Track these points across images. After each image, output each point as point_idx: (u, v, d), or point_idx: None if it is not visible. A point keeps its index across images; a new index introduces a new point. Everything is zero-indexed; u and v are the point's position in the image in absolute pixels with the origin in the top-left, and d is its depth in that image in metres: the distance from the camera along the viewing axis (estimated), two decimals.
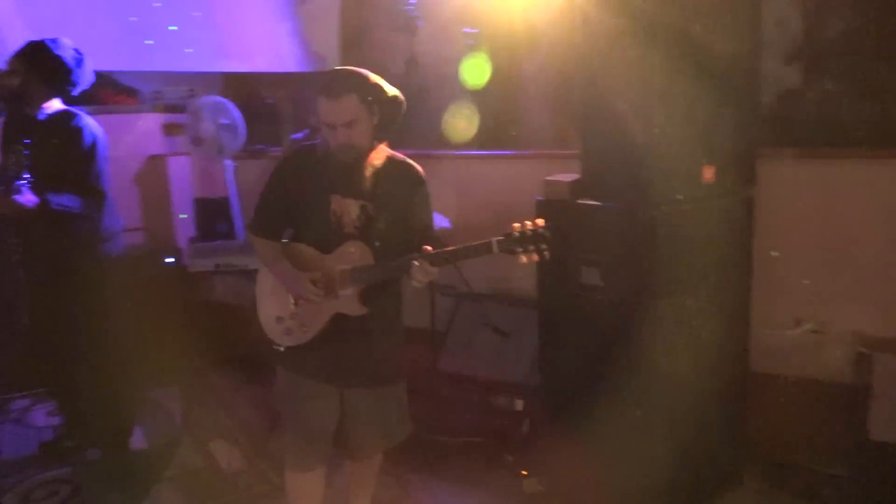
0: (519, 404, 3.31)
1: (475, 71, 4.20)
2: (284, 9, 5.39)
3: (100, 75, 4.96)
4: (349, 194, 2.24)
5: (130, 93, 5.07)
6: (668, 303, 2.59)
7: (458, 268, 3.35)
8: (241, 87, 5.57)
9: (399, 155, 2.35)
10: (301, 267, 2.28)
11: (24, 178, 2.79)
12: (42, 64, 2.98)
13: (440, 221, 3.51)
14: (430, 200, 2.37)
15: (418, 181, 2.33)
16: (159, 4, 4.93)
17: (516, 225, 2.07)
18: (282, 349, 2.34)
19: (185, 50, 5.08)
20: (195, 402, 3.97)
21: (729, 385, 2.87)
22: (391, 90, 2.22)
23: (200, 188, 5.04)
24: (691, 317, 2.65)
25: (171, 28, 5.03)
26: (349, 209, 2.25)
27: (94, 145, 3.02)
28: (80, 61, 3.07)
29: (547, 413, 3.06)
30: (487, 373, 3.47)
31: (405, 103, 2.27)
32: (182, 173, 4.95)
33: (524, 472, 3.08)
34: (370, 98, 2.14)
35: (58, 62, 2.99)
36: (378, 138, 2.26)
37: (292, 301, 2.31)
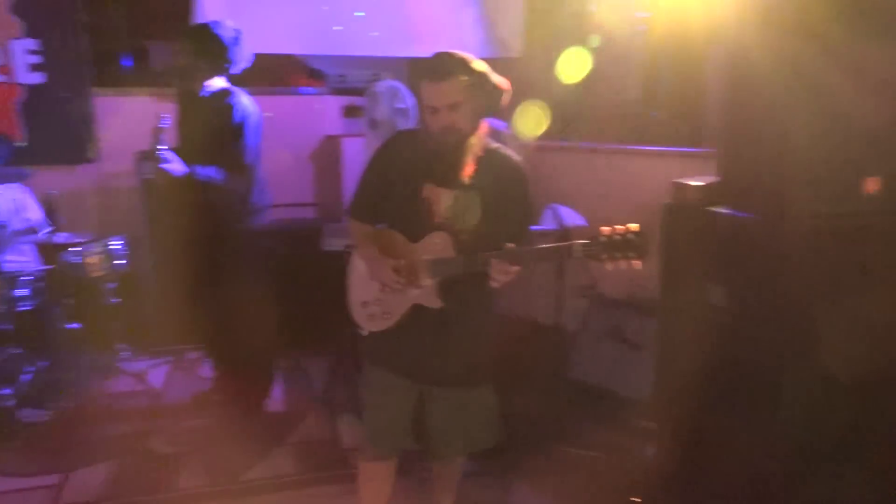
0: (643, 424, 3.03)
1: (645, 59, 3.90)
2: None
3: (289, 58, 5.38)
4: (442, 183, 2.17)
5: (316, 75, 5.37)
6: (810, 337, 2.20)
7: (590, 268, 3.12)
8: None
9: (503, 148, 2.24)
10: (389, 253, 2.25)
11: (162, 148, 3.03)
12: (204, 43, 3.21)
13: (575, 219, 3.30)
14: (529, 200, 2.23)
15: (517, 177, 2.20)
16: None
17: (605, 228, 1.91)
18: (364, 333, 2.33)
19: (371, 34, 5.26)
20: (338, 375, 4.11)
21: None
22: (496, 77, 2.12)
23: None
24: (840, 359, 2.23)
25: (357, 14, 5.25)
26: (441, 198, 2.18)
27: (243, 122, 3.20)
28: (237, 40, 3.27)
29: (668, 438, 2.77)
30: (614, 385, 3.22)
31: (509, 92, 2.15)
32: (355, 154, 5.16)
33: (636, 500, 2.82)
34: (474, 82, 2.06)
35: (217, 42, 3.20)
36: (477, 126, 2.16)
37: (378, 287, 2.28)
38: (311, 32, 5.16)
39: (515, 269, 2.01)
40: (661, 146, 3.61)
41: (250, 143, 3.24)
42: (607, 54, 4.27)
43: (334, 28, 5.20)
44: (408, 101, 4.91)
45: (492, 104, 2.14)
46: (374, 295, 2.30)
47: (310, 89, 5.29)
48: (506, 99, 2.15)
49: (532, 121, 3.98)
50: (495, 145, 2.23)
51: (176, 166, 3.07)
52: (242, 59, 3.33)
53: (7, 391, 3.65)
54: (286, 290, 3.84)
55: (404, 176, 2.23)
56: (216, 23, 3.24)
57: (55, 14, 4.52)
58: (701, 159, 3.25)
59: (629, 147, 3.81)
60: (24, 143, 4.53)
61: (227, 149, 3.19)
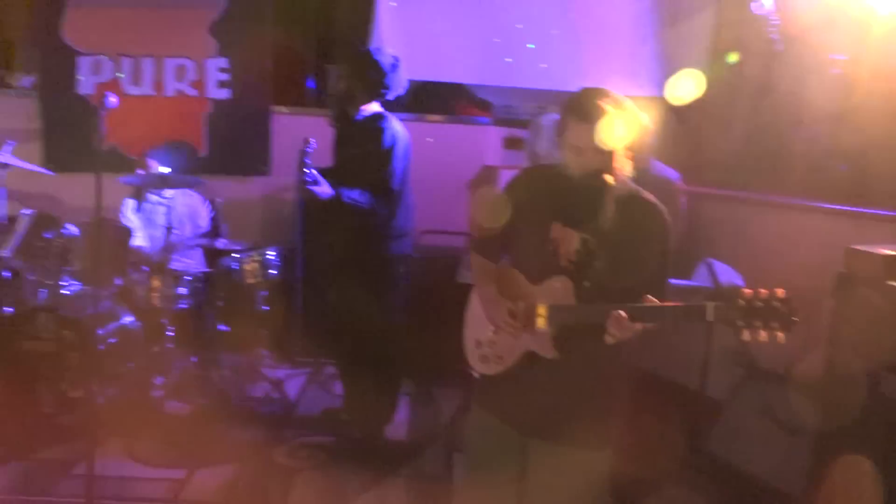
0: None
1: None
2: (649, 30, 5.15)
3: (457, 87, 5.41)
4: (572, 224, 2.01)
5: (483, 105, 5.36)
6: None
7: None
8: None
9: (645, 193, 2.04)
10: (508, 293, 2.11)
11: (308, 170, 3.10)
12: (362, 69, 3.27)
13: (732, 278, 2.97)
14: (668, 251, 2.01)
15: (658, 228, 1.99)
16: (521, 26, 5.11)
17: (747, 291, 1.67)
18: (476, 375, 2.21)
19: (540, 66, 5.18)
20: (464, 411, 4.00)
21: None
22: (642, 116, 1.95)
23: None
24: None
25: (529, 46, 5.20)
26: (569, 240, 2.02)
27: (392, 147, 3.22)
28: (395, 67, 3.30)
29: None
30: (760, 470, 2.83)
31: (651, 131, 1.97)
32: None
33: None
34: (623, 123, 1.89)
35: (375, 68, 3.25)
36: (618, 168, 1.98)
37: (492, 327, 2.15)
38: (482, 63, 5.17)
39: (636, 326, 1.80)
40: (845, 205, 3.17)
41: (398, 169, 3.25)
42: (796, 99, 3.87)
43: (505, 60, 5.19)
44: None
45: (636, 145, 1.97)
46: (487, 336, 2.18)
47: (474, 118, 5.29)
48: (648, 139, 1.97)
49: (700, 165, 3.68)
50: (635, 188, 2.04)
51: (322, 188, 3.14)
52: (399, 86, 3.36)
53: (159, 381, 3.92)
54: (426, 316, 3.79)
55: (533, 213, 2.09)
56: (376, 49, 3.30)
57: (247, 36, 4.86)
58: (888, 223, 2.80)
59: (807, 202, 3.39)
60: (206, 154, 4.90)
61: (374, 173, 3.22)
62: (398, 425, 3.69)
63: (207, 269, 4.08)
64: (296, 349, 4.58)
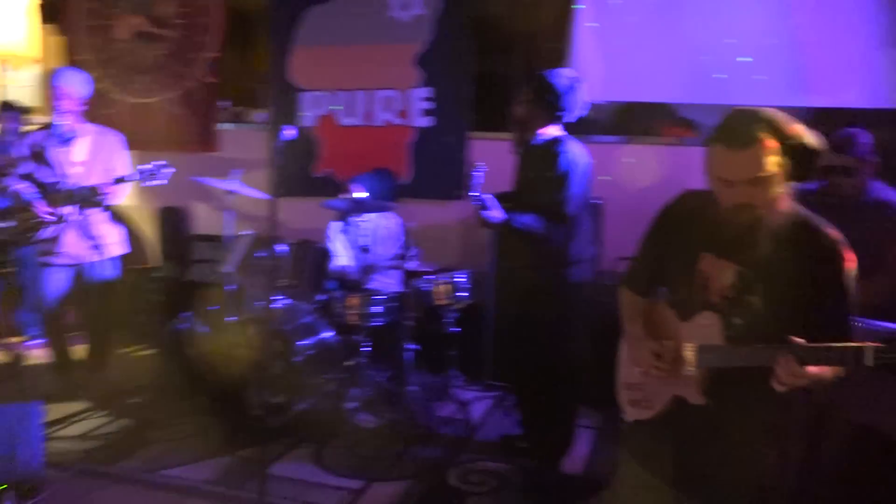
0: None
1: None
2: (883, 33, 4.54)
3: (660, 107, 5.15)
4: (725, 255, 1.83)
5: (688, 125, 5.05)
6: None
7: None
8: (827, 124, 4.96)
9: (813, 217, 1.79)
10: (656, 331, 1.97)
11: (475, 194, 3.13)
12: (539, 92, 3.24)
13: None
14: (844, 291, 1.73)
15: (827, 257, 1.74)
16: (732, 40, 4.77)
17: None
18: (627, 419, 2.07)
19: (757, 77, 4.80)
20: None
21: None
22: (808, 137, 1.71)
23: None
24: None
25: (743, 60, 4.82)
26: (721, 273, 1.83)
27: (568, 172, 3.15)
28: (572, 89, 3.23)
29: None
30: None
31: (824, 153, 1.72)
32: None
33: None
34: (783, 149, 1.69)
35: (551, 91, 3.20)
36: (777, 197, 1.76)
37: (640, 369, 2.01)
38: (688, 80, 4.90)
39: (807, 371, 1.59)
40: None
41: (574, 194, 3.17)
42: None
43: (715, 76, 4.86)
44: None
45: (800, 172, 1.73)
46: (636, 378, 2.04)
47: (679, 139, 5.00)
48: (819, 161, 1.72)
49: None
50: (805, 215, 1.79)
51: (493, 212, 3.15)
52: (576, 108, 3.28)
53: (352, 393, 4.17)
54: (609, 346, 3.65)
55: (683, 243, 1.93)
56: (553, 72, 3.25)
57: (449, 65, 5.05)
58: None
59: None
60: (408, 179, 5.15)
61: (549, 198, 3.17)
62: (578, 459, 3.56)
63: (401, 290, 4.27)
64: (486, 373, 4.64)
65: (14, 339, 5.01)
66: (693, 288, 1.87)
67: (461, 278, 4.33)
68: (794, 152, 1.69)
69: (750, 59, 4.80)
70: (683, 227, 1.94)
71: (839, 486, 3.18)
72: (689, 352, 1.84)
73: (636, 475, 2.00)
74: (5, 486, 2.91)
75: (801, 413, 1.92)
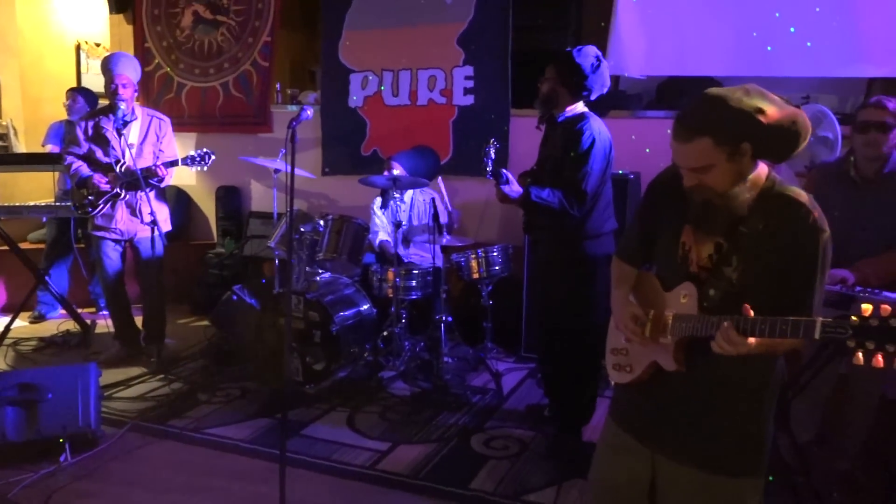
0: None
1: None
2: None
3: (705, 82, 5.07)
4: (704, 227, 1.87)
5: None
6: None
7: None
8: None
9: (789, 188, 1.80)
10: (643, 300, 2.03)
11: (488, 163, 3.23)
12: (564, 70, 3.29)
13: None
14: (815, 265, 1.73)
15: (803, 227, 1.73)
16: (778, 14, 4.66)
17: (866, 307, 1.44)
18: (612, 383, 2.15)
19: (806, 45, 4.68)
20: None
21: None
22: (778, 117, 1.66)
23: None
24: None
25: (791, 30, 4.71)
26: (701, 245, 1.88)
27: (589, 149, 3.19)
28: (595, 68, 3.26)
29: None
30: None
31: (805, 130, 1.71)
32: None
33: None
34: (732, 139, 1.70)
35: (576, 69, 3.24)
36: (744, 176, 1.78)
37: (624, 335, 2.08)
38: (735, 54, 4.81)
39: (742, 340, 1.62)
40: None
41: (593, 171, 3.21)
42: None
43: (767, 49, 4.76)
44: (836, 129, 4.23)
45: (773, 150, 1.74)
46: (620, 343, 2.10)
47: None
48: (801, 142, 1.71)
49: None
50: (781, 186, 1.80)
51: (512, 186, 3.24)
52: (601, 87, 3.31)
53: (388, 363, 4.35)
54: None
55: (669, 215, 1.97)
56: (578, 50, 3.28)
57: (490, 44, 5.12)
58: None
59: None
60: (449, 156, 5.26)
61: (569, 174, 3.23)
62: (598, 428, 3.62)
63: (437, 264, 4.41)
64: (520, 345, 4.74)
65: (86, 310, 5.43)
66: (675, 258, 1.92)
67: (495, 253, 4.44)
68: (754, 139, 1.69)
69: (793, 30, 4.69)
70: (669, 198, 1.97)
71: (864, 454, 3.18)
72: (668, 320, 1.90)
73: (615, 435, 2.07)
74: (63, 439, 3.21)
75: (776, 373, 1.92)
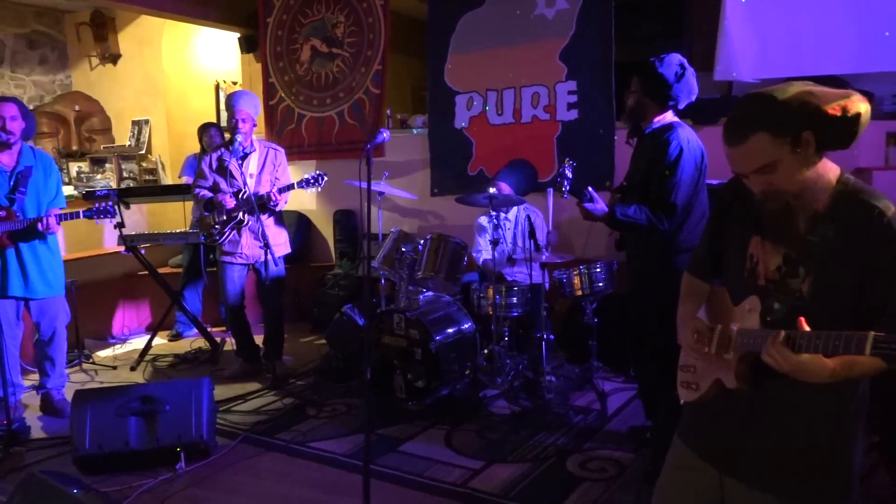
0: None
1: None
2: None
3: (826, 81, 4.71)
4: (773, 237, 1.76)
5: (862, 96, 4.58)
6: None
7: None
8: None
9: (862, 188, 1.66)
10: (715, 315, 1.93)
11: (565, 183, 3.16)
12: (647, 81, 3.19)
13: None
14: (893, 267, 1.58)
15: (878, 234, 1.59)
16: None
17: None
18: (680, 402, 2.05)
19: None
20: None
21: None
22: (831, 99, 1.57)
23: None
24: None
25: None
26: (769, 256, 1.76)
27: (677, 159, 3.07)
28: (680, 76, 3.14)
29: None
30: None
31: (864, 111, 1.59)
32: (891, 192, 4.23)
33: None
34: (790, 129, 1.60)
35: (659, 79, 3.14)
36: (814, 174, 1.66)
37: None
38: (860, 48, 4.46)
39: (795, 358, 1.50)
40: None
41: (682, 182, 3.09)
42: None
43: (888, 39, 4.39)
44: None
45: (835, 140, 1.61)
46: (689, 360, 2.00)
47: None
48: (862, 125, 1.58)
49: None
50: (853, 187, 1.66)
51: (597, 205, 3.17)
52: (688, 95, 3.19)
53: (495, 381, 4.35)
54: None
55: (736, 226, 1.87)
56: (663, 58, 3.17)
57: (593, 57, 5.05)
58: None
59: None
60: (555, 174, 5.20)
61: (657, 186, 3.12)
62: None
63: (535, 282, 4.37)
64: (628, 363, 4.58)
65: (218, 329, 5.83)
66: (744, 271, 1.81)
67: (598, 269, 4.34)
68: (814, 128, 1.58)
69: None
70: (735, 210, 1.88)
71: None
72: (733, 336, 1.80)
73: (682, 455, 1.97)
74: (179, 448, 3.46)
75: (857, 396, 1.75)
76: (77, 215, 4.02)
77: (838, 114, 1.56)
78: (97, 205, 4.08)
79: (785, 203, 1.67)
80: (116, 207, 4.17)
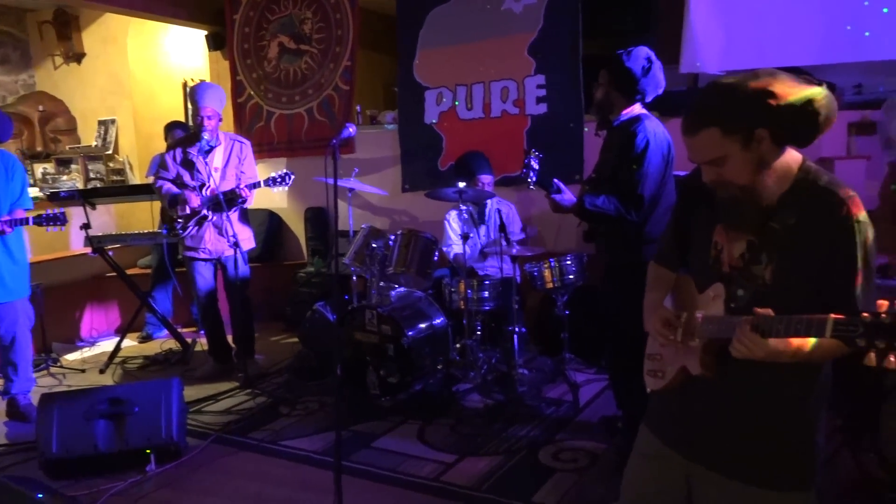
0: None
1: None
2: None
3: (792, 71, 4.77)
4: (736, 225, 1.77)
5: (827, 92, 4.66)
6: None
7: None
8: None
9: (822, 177, 1.68)
10: (681, 303, 1.94)
11: (531, 174, 3.18)
12: (615, 75, 3.20)
13: None
14: (854, 261, 1.58)
15: (837, 221, 1.60)
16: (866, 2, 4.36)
17: (882, 302, 1.31)
18: (647, 390, 2.07)
19: None
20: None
21: None
22: (791, 98, 1.55)
23: None
24: None
25: (884, 11, 4.39)
26: (733, 243, 1.78)
27: (644, 151, 3.08)
28: (647, 70, 3.15)
29: None
30: None
31: (826, 108, 1.60)
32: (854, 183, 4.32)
33: None
34: (742, 126, 1.60)
35: (626, 73, 3.16)
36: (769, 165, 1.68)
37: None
38: (825, 39, 4.53)
39: (762, 341, 1.51)
40: None
41: (649, 174, 3.11)
42: None
43: (866, 34, 4.46)
44: None
45: (793, 132, 1.62)
46: (655, 348, 2.02)
47: None
48: (828, 120, 1.59)
49: None
50: (813, 175, 1.67)
51: (565, 195, 3.19)
52: (654, 88, 3.21)
53: (462, 375, 4.35)
54: None
55: (701, 214, 1.89)
56: (630, 52, 3.19)
57: (561, 51, 5.06)
58: None
59: None
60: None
61: (623, 178, 3.14)
62: None
63: (511, 275, 4.38)
64: (600, 354, 4.61)
65: (189, 329, 5.77)
66: (709, 259, 1.83)
67: (569, 262, 4.36)
68: (770, 123, 1.59)
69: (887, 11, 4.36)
70: (700, 197, 1.89)
71: None
72: (698, 322, 1.81)
73: (648, 443, 1.99)
74: (149, 449, 3.42)
75: (820, 380, 1.77)
76: (27, 222, 3.95)
77: (795, 111, 1.56)
78: (46, 211, 4.01)
79: (733, 194, 1.69)
80: (67, 214, 4.08)
